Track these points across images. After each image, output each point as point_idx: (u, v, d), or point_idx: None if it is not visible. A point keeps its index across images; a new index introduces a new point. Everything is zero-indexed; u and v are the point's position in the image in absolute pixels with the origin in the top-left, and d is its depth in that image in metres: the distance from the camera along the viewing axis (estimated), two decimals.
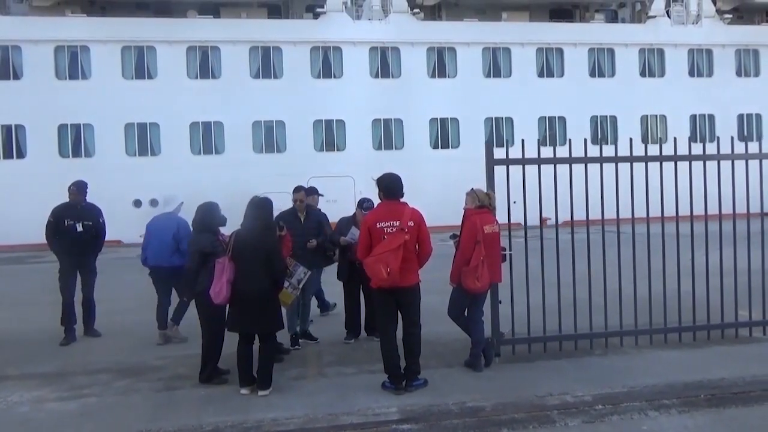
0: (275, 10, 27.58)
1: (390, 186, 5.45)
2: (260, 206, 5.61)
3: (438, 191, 19.27)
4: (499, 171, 6.21)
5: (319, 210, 7.46)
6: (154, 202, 22.73)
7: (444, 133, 26.69)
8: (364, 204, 7.16)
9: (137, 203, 24.42)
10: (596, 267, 6.56)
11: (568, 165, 6.45)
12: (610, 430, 4.62)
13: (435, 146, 26.55)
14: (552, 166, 6.39)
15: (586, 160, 6.48)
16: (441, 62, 26.68)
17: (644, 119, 27.84)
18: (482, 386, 5.58)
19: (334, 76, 26.01)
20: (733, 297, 6.88)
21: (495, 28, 27.15)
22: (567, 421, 4.77)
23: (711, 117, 28.22)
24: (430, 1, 27.73)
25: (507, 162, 6.27)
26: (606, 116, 27.53)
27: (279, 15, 27.49)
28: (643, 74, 28.01)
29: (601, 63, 27.70)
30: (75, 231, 7.74)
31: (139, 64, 24.83)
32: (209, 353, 5.92)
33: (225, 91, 24.88)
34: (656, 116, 27.95)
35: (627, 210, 6.42)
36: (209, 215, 6.20)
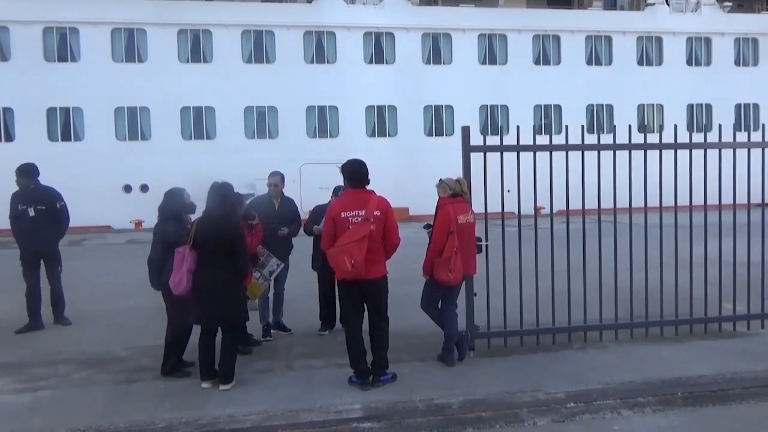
0: None
1: (354, 173, 5.21)
2: (222, 192, 5.36)
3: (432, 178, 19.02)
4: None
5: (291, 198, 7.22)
6: (144, 188, 22.44)
7: (438, 121, 26.39)
8: (339, 192, 6.91)
9: (127, 188, 24.18)
10: (577, 258, 6.36)
11: (549, 153, 6.23)
12: (580, 430, 4.43)
13: (429, 134, 26.24)
14: (533, 153, 6.15)
15: (567, 148, 6.24)
16: (436, 48, 26.32)
17: (641, 108, 27.54)
18: (453, 381, 5.38)
19: (328, 62, 25.64)
20: (718, 290, 6.69)
21: (491, 14, 26.75)
22: (536, 420, 4.58)
23: (708, 106, 27.91)
24: None
25: (484, 149, 6.03)
26: (602, 104, 27.22)
27: None
28: (640, 62, 27.66)
29: (599, 51, 27.34)
30: (27, 216, 7.42)
31: (129, 46, 24.46)
32: (173, 345, 5.71)
33: (216, 76, 24.54)
34: (653, 105, 27.64)
35: (625, 200, 6.22)
36: (174, 201, 5.95)
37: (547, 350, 6.22)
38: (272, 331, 7.05)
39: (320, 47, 25.61)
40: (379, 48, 25.96)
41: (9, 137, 23.77)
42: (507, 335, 6.26)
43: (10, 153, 23.07)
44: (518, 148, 6.08)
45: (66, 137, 24.14)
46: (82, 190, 21.82)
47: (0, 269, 13.88)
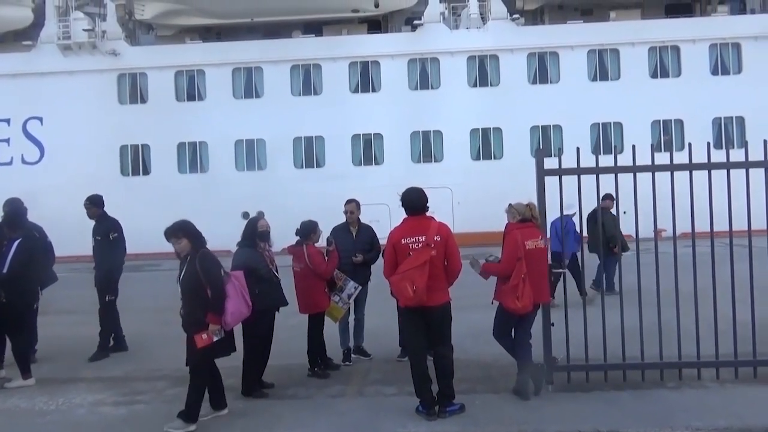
0: (375, 25, 28.08)
1: (413, 201, 5.22)
2: (182, 229, 5.31)
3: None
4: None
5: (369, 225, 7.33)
6: (245, 215, 23.68)
7: (546, 142, 25.55)
8: None
9: (245, 215, 25.84)
10: (672, 287, 5.83)
11: (633, 174, 5.82)
12: None
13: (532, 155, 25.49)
14: (614, 175, 5.79)
15: (659, 168, 5.78)
16: (542, 68, 25.66)
17: None
18: (523, 417, 5.14)
19: (432, 87, 25.91)
20: None
21: (601, 28, 25.64)
22: None
23: None
24: (532, 5, 26.81)
25: (560, 172, 5.77)
26: (731, 117, 24.90)
27: (379, 30, 27.95)
28: None
29: (724, 59, 25.17)
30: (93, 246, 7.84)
31: (248, 83, 26.33)
32: (249, 366, 5.99)
33: (324, 107, 25.62)
34: None
35: (721, 222, 5.67)
36: (250, 229, 6.29)
37: (635, 387, 5.73)
38: (353, 355, 7.16)
39: (424, 74, 25.96)
40: (483, 71, 25.81)
41: (146, 171, 26.39)
42: (589, 369, 5.86)
43: (148, 184, 25.80)
44: (597, 171, 5.75)
45: (193, 169, 26.33)
46: (207, 217, 23.77)
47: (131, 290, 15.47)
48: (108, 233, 7.77)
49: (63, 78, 25.80)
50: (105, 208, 7.98)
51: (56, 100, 25.54)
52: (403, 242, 5.11)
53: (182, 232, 5.23)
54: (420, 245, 5.03)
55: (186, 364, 5.25)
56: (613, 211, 8.37)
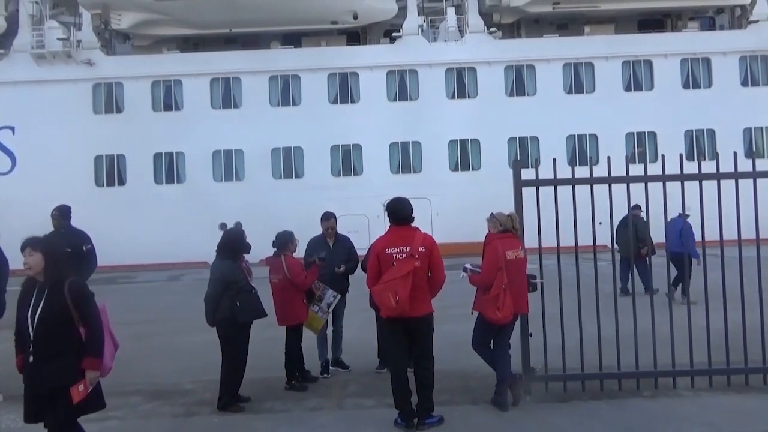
0: (354, 36, 28.19)
1: (398, 210, 5.22)
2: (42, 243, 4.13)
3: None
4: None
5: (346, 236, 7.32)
6: (222, 226, 23.38)
7: (524, 153, 25.81)
8: None
9: (222, 226, 25.57)
10: (641, 297, 5.92)
11: (609, 185, 5.90)
12: None
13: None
14: (590, 186, 5.86)
15: (628, 180, 5.88)
16: (519, 80, 26.01)
17: (747, 132, 25.45)
18: (502, 428, 5.15)
19: (410, 99, 26.06)
20: None
21: (576, 42, 26.11)
22: None
23: None
24: (508, 19, 27.19)
25: (537, 183, 5.84)
26: (702, 130, 25.49)
27: (358, 41, 28.06)
28: (745, 84, 25.75)
29: (696, 73, 25.78)
30: None
31: (226, 94, 26.19)
32: (227, 381, 5.90)
33: (304, 118, 25.58)
34: (762, 128, 25.50)
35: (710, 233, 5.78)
36: (234, 241, 6.23)
37: (612, 397, 5.78)
38: (331, 367, 7.10)
39: (402, 85, 26.12)
40: (461, 83, 26.05)
41: (122, 181, 26.00)
42: (567, 379, 5.90)
43: (123, 195, 25.42)
44: (573, 182, 5.83)
45: (170, 180, 25.99)
46: (184, 228, 23.52)
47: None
48: (81, 245, 7.47)
49: (36, 87, 25.39)
50: (79, 219, 7.76)
51: (29, 110, 25.10)
52: (387, 252, 5.09)
53: (42, 246, 4.06)
54: (404, 255, 5.03)
55: (45, 427, 4.11)
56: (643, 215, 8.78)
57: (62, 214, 7.51)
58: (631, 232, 7.51)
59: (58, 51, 25.71)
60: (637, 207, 7.33)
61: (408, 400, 5.17)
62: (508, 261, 5.44)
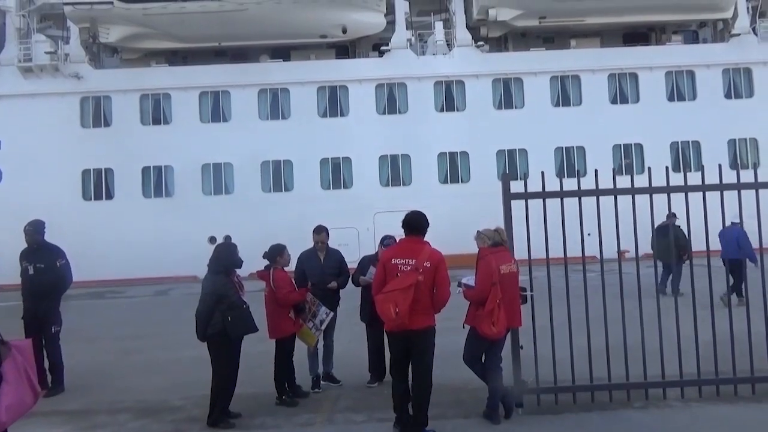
0: (343, 50, 28.35)
1: (411, 221, 5.28)
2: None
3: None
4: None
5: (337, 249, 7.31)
6: (212, 240, 23.20)
7: (512, 166, 25.99)
8: (384, 241, 6.95)
9: (212, 240, 25.45)
10: (633, 306, 5.96)
11: (596, 198, 5.96)
12: None
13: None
14: (578, 199, 5.92)
15: (615, 192, 5.95)
16: (507, 93, 26.24)
17: (732, 143, 25.81)
18: None
19: (399, 112, 26.18)
20: None
21: (563, 56, 26.42)
22: None
23: None
24: (495, 33, 27.48)
25: (526, 196, 5.88)
26: (688, 142, 25.81)
27: (347, 55, 28.21)
28: (728, 96, 26.16)
29: (680, 86, 26.17)
30: (27, 274, 7.23)
31: (215, 107, 26.18)
32: (218, 397, 5.85)
33: (293, 131, 25.61)
34: (745, 140, 25.87)
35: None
36: (225, 256, 6.20)
37: (604, 408, 5.80)
38: (322, 382, 7.06)
39: (391, 98, 26.25)
40: (449, 96, 26.24)
41: (110, 195, 25.82)
42: (558, 391, 5.91)
43: (111, 209, 25.23)
44: (561, 194, 5.88)
45: (158, 194, 25.84)
46: (172, 242, 23.36)
47: (91, 318, 14.98)
48: (54, 260, 7.32)
49: (23, 101, 25.25)
50: (66, 233, 7.71)
51: (16, 123, 24.94)
52: (392, 262, 5.13)
53: None
54: (409, 268, 5.05)
55: None
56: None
57: (36, 229, 7.38)
58: (671, 238, 7.54)
59: (46, 64, 25.60)
60: (674, 215, 7.52)
61: (405, 409, 5.21)
62: (502, 275, 5.46)
